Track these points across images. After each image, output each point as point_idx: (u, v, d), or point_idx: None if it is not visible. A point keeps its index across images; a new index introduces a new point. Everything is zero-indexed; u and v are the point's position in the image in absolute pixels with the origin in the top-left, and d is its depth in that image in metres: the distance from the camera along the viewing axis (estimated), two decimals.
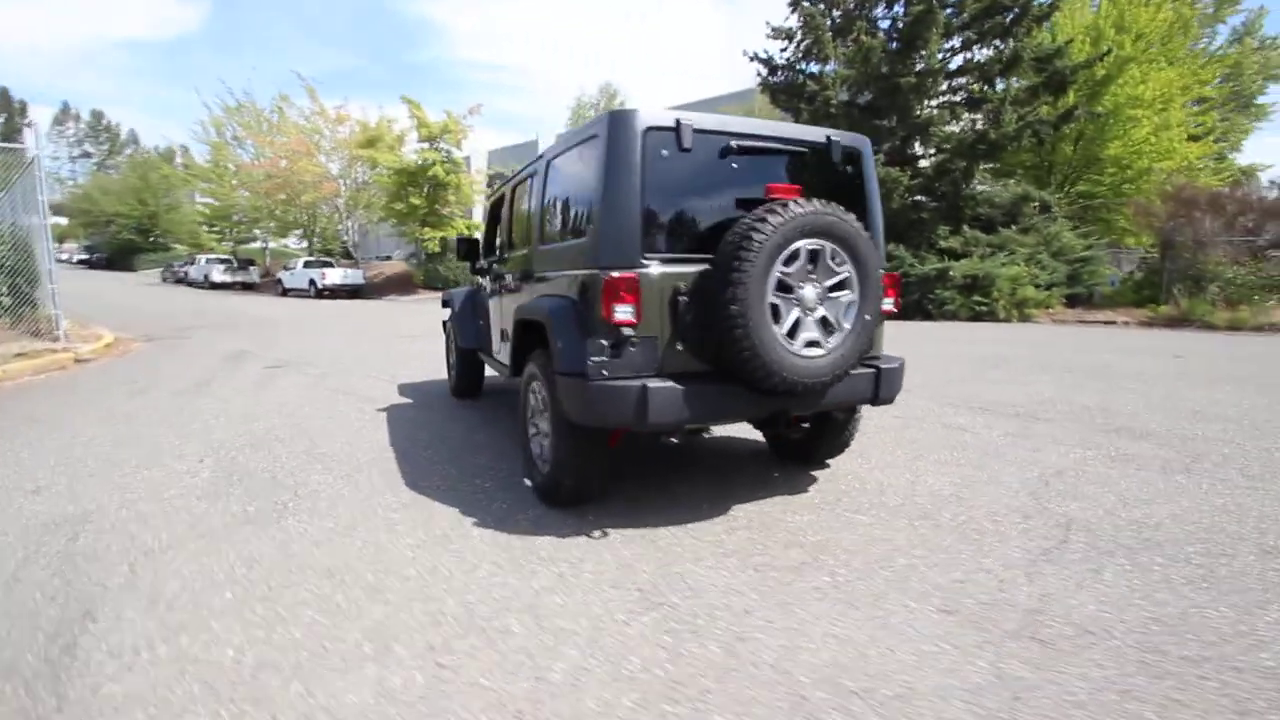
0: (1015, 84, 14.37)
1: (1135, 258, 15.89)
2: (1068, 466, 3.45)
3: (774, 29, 16.22)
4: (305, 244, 28.09)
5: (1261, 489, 3.09)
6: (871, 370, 2.74)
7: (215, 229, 31.21)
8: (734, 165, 2.58)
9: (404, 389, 5.73)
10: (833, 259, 2.43)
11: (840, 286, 2.48)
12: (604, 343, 2.41)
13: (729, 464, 3.57)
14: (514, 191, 3.88)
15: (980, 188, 15.37)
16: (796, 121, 15.26)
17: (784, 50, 16.51)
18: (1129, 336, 10.11)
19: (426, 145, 20.58)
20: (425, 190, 20.40)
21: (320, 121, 23.94)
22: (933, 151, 15.08)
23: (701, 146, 2.52)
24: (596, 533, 2.65)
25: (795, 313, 2.41)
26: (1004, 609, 2.06)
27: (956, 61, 15.13)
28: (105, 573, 2.34)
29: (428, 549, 2.53)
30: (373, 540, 2.61)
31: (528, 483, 3.20)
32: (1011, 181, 15.93)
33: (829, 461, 3.51)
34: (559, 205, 3.04)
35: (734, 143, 2.55)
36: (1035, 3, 14.23)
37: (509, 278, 3.80)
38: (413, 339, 9.69)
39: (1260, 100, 23.48)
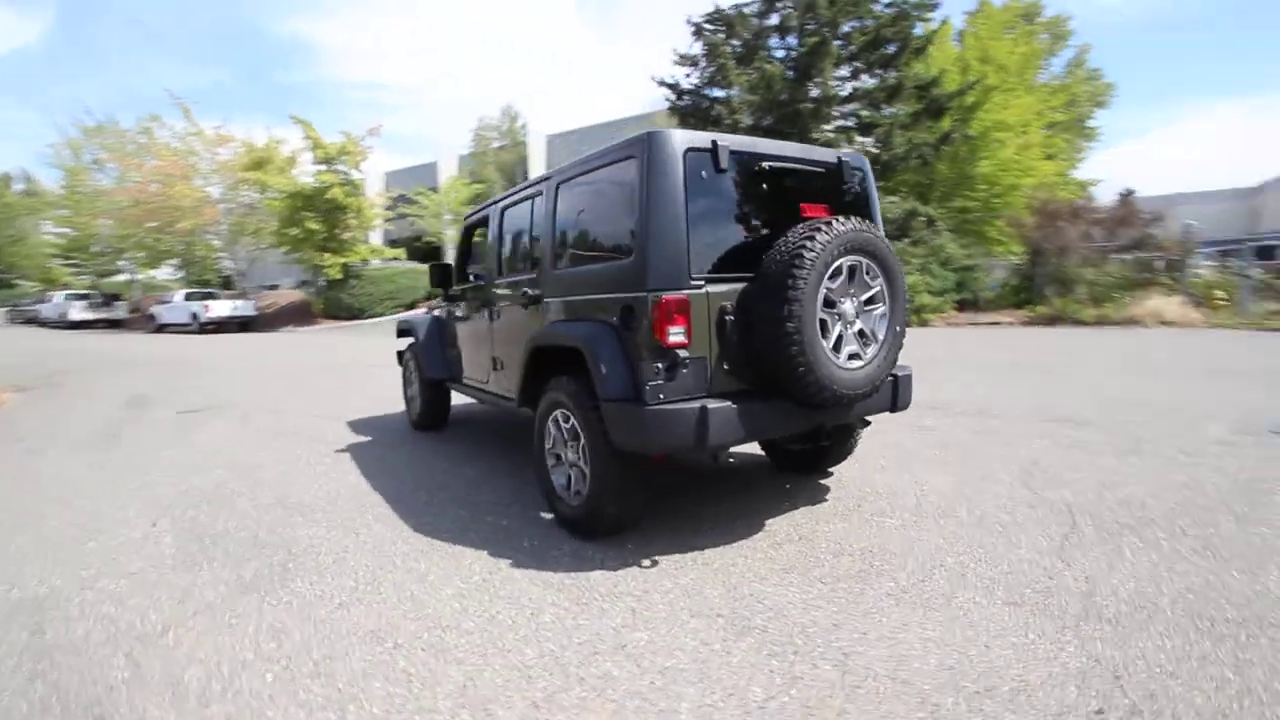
0: (901, 110, 15.60)
1: (1008, 265, 17.63)
2: (1040, 457, 3.75)
3: (680, 55, 16.78)
4: (180, 274, 25.67)
5: (1204, 464, 3.49)
6: (890, 379, 2.85)
7: (71, 262, 27.86)
8: (764, 185, 2.63)
9: (356, 425, 5.34)
10: (867, 274, 2.53)
11: (873, 300, 2.58)
12: (659, 366, 2.37)
13: (736, 480, 3.58)
14: (503, 215, 3.76)
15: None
16: None
17: (689, 75, 17.14)
18: (1017, 334, 11.16)
19: (323, 167, 19.46)
20: (323, 214, 19.25)
21: (197, 142, 22.08)
22: None
23: (732, 167, 2.55)
24: (645, 561, 2.58)
25: (839, 327, 2.48)
26: (1061, 595, 2.19)
27: (848, 89, 16.26)
28: (99, 668, 2.00)
29: (474, 598, 2.35)
30: (407, 594, 2.40)
31: (547, 516, 3.07)
32: (899, 198, 17.24)
33: (831, 470, 3.61)
34: (579, 228, 2.98)
35: (765, 164, 2.60)
36: (913, 37, 15.62)
37: (502, 304, 3.65)
38: (334, 371, 9.08)
39: (1090, 123, 26.84)
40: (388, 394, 6.43)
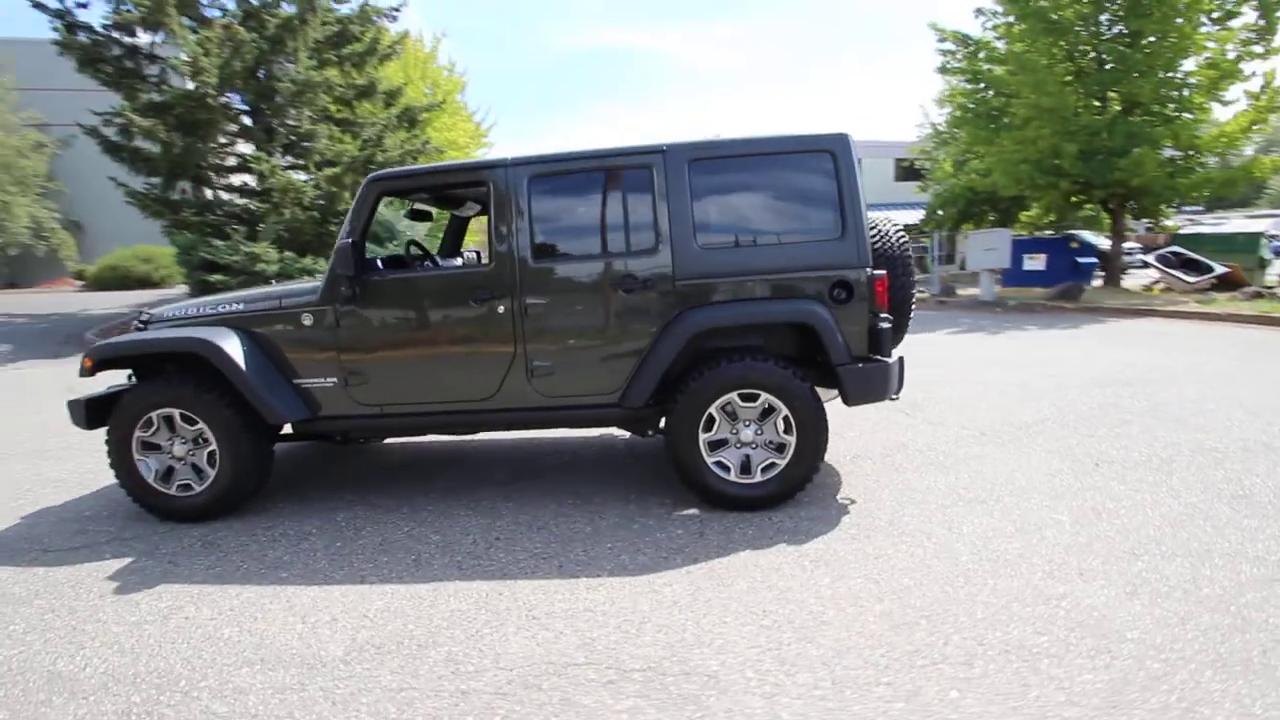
0: (392, 112, 15.71)
1: None
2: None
3: None
4: None
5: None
6: None
7: None
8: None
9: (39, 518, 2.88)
10: None
11: None
12: (885, 327, 3.13)
13: None
14: (534, 185, 3.38)
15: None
16: (134, 108, 12.26)
17: (86, 6, 12.59)
18: None
19: None
20: None
21: None
22: (319, 164, 14.88)
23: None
24: (852, 528, 3.11)
25: None
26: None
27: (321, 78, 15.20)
28: None
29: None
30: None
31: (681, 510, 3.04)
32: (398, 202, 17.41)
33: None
34: (739, 209, 3.35)
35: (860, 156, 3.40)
36: (380, 44, 15.84)
37: (559, 291, 3.41)
38: None
39: None
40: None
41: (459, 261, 4.58)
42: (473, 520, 3.43)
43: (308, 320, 3.47)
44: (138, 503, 3.55)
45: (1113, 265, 14.74)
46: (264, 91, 13.43)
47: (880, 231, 3.59)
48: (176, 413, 3.44)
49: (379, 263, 3.72)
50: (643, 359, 3.32)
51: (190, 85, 12.72)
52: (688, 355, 3.29)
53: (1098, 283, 14.72)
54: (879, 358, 3.28)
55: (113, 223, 22.02)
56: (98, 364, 3.52)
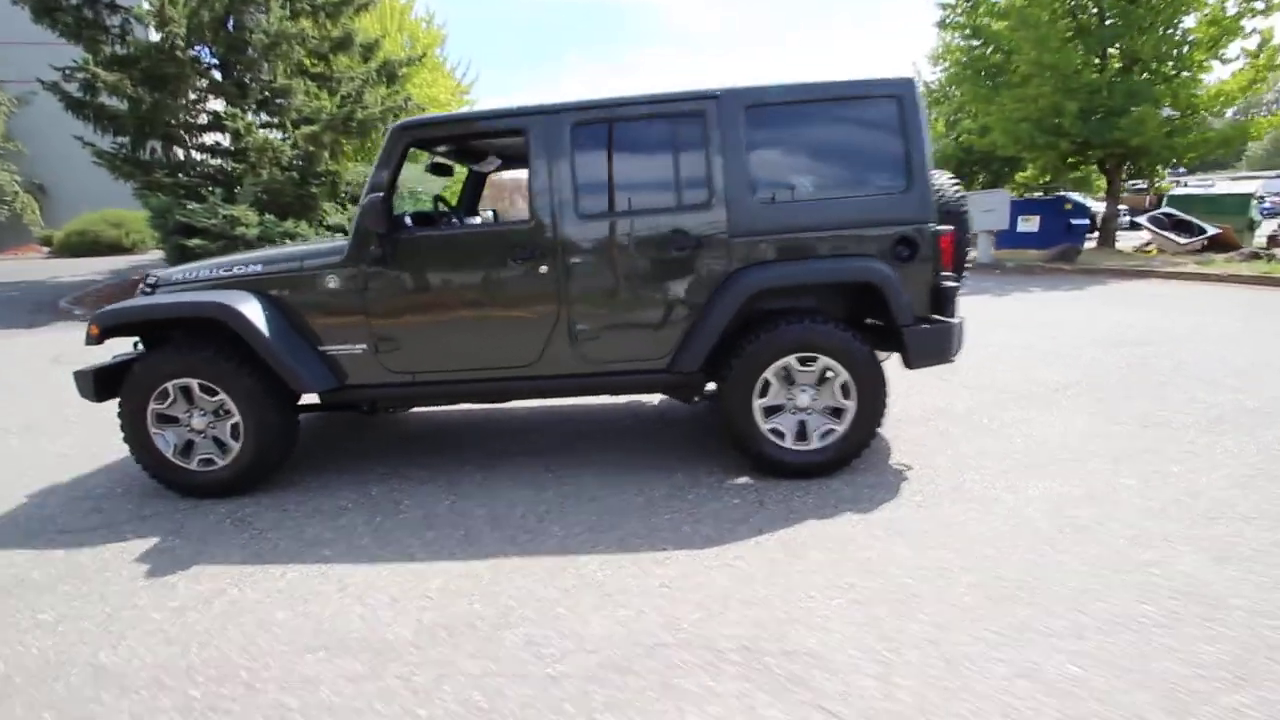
0: (370, 67, 14.99)
1: None
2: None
3: None
4: None
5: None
6: None
7: None
8: None
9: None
10: None
11: None
12: (952, 285, 2.95)
13: None
14: (576, 135, 3.14)
15: (352, 166, 15.60)
16: (97, 61, 11.56)
17: None
18: None
19: None
20: None
21: None
22: (295, 122, 14.21)
23: None
24: (915, 496, 3.02)
25: None
26: None
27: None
28: None
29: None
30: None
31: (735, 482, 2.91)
32: (366, 163, 16.75)
33: None
34: (793, 159, 3.10)
35: None
36: None
37: (602, 250, 3.20)
38: None
39: None
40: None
41: (478, 220, 4.32)
42: (517, 492, 3.27)
43: (333, 282, 3.23)
44: (156, 479, 3.33)
45: (1108, 227, 14.75)
46: (235, 44, 12.71)
47: (936, 184, 3.42)
48: (195, 383, 3.20)
49: (408, 220, 3.46)
50: (694, 322, 3.15)
51: (156, 37, 11.98)
52: (741, 318, 3.12)
53: (1091, 244, 14.75)
54: (944, 318, 3.15)
55: (79, 185, 21.02)
56: (105, 330, 3.25)
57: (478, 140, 3.74)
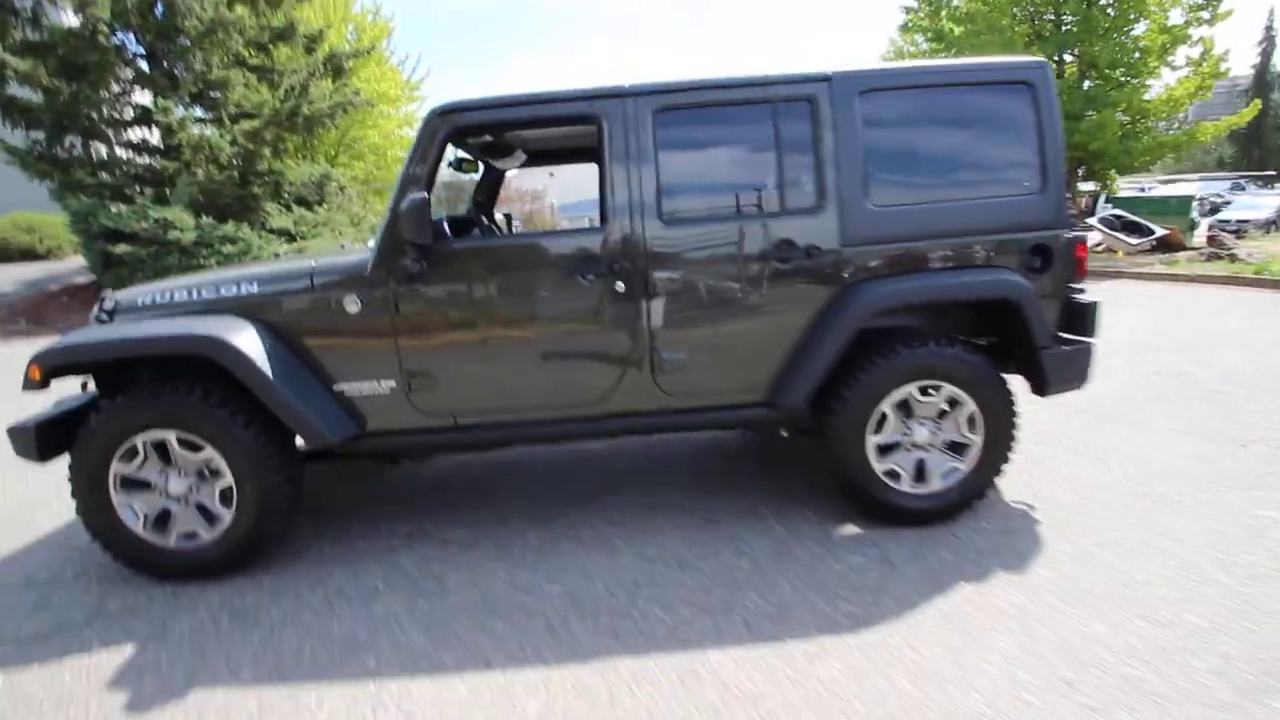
0: (315, 59, 13.91)
1: None
2: None
3: None
4: None
5: None
6: None
7: None
8: None
9: None
10: None
11: None
12: (1091, 301, 2.67)
13: None
14: (659, 121, 2.55)
15: (296, 165, 14.48)
16: (7, 47, 10.30)
17: None
18: None
19: None
20: None
21: None
22: (234, 117, 13.03)
23: None
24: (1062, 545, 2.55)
25: None
26: None
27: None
28: None
29: None
30: None
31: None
32: (310, 162, 15.62)
33: None
34: (909, 153, 2.65)
35: None
36: None
37: (690, 265, 2.66)
38: None
39: None
40: None
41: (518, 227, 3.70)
42: (587, 558, 2.70)
43: (353, 305, 2.59)
44: (120, 560, 2.61)
45: None
46: (164, 31, 11.50)
47: None
48: (173, 436, 2.50)
49: (444, 226, 2.81)
50: (800, 346, 2.66)
51: (75, 21, 10.70)
52: (853, 341, 2.65)
53: None
54: (1080, 338, 2.77)
55: None
56: (49, 371, 2.50)
57: (532, 129, 3.12)
